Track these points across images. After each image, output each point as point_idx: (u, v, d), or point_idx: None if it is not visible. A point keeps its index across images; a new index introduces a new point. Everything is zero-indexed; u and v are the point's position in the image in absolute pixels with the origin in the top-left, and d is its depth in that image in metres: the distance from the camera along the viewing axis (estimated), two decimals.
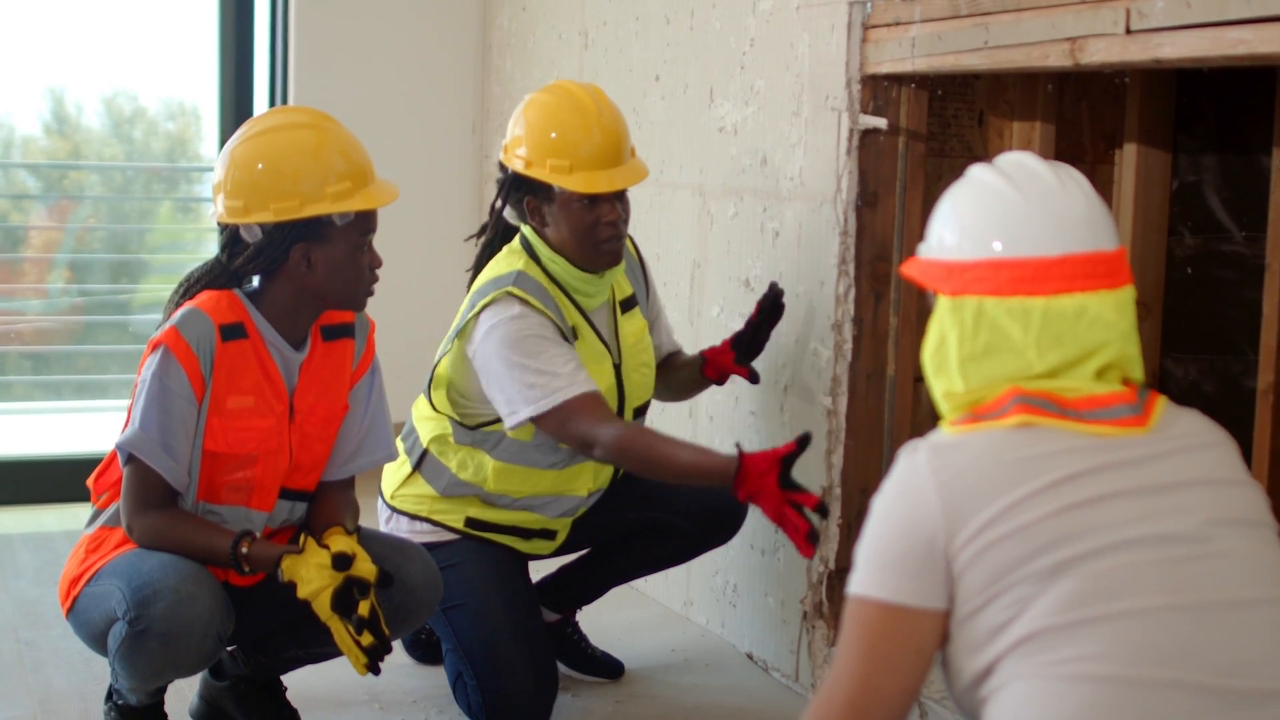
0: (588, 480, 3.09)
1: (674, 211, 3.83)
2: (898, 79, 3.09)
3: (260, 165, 2.57)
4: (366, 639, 2.49)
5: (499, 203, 3.08)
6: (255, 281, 2.66)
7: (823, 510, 2.54)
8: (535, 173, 2.95)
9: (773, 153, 3.38)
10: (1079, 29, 2.50)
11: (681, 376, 3.29)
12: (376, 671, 2.53)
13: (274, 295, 2.64)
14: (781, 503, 2.57)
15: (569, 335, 2.96)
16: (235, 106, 4.89)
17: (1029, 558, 1.55)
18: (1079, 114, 3.41)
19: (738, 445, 2.69)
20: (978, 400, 1.68)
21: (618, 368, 3.07)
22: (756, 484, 2.60)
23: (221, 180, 2.61)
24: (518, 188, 3.01)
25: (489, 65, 5.11)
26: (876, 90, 3.10)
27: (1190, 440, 1.65)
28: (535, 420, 2.86)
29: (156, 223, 5.33)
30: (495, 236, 3.13)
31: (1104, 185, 3.41)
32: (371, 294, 2.70)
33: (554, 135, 2.94)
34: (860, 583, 1.63)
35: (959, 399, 1.70)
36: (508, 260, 3.00)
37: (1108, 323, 1.64)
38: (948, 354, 1.70)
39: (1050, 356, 1.65)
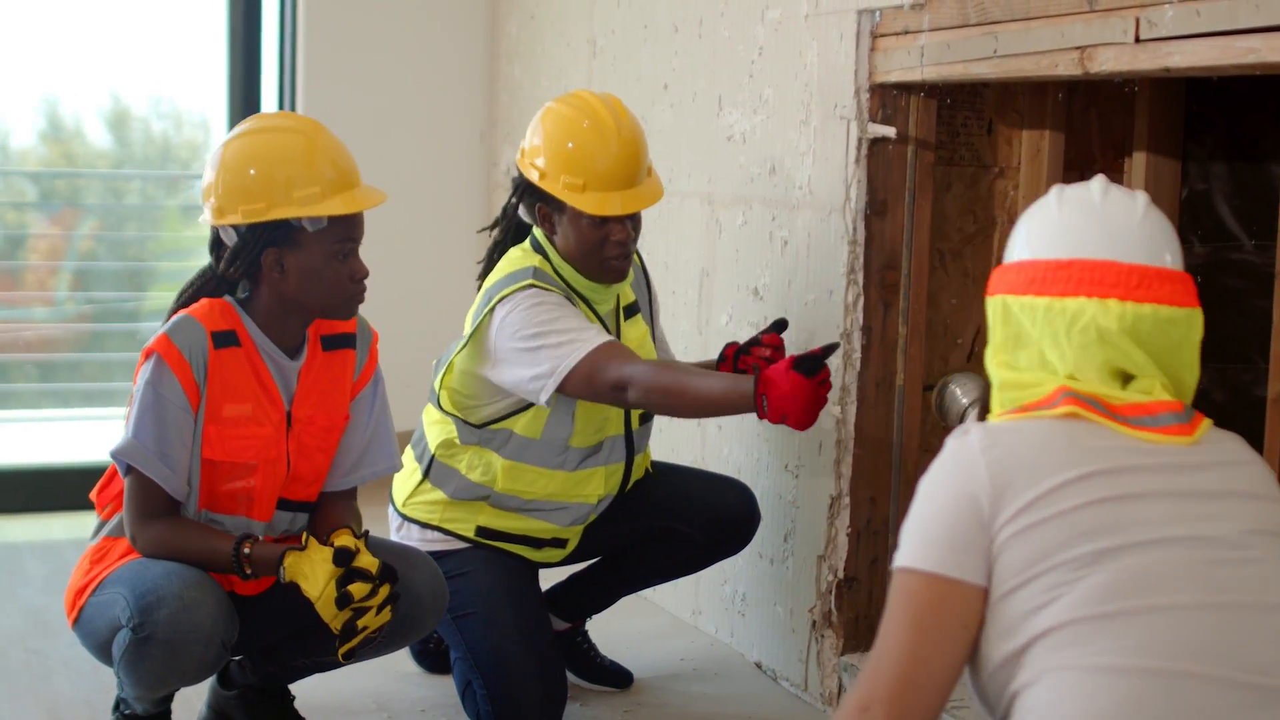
0: (598, 485, 3.08)
1: (682, 220, 3.83)
2: (906, 88, 3.09)
3: (236, 167, 2.58)
4: (346, 617, 2.47)
5: (514, 200, 3.07)
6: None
7: (829, 348, 2.66)
8: (548, 186, 2.95)
9: (781, 161, 3.38)
10: (1088, 38, 2.50)
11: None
12: (350, 658, 2.52)
13: (260, 302, 2.63)
14: (814, 400, 2.62)
15: None
16: (244, 117, 4.88)
17: (1069, 543, 1.58)
18: (1088, 122, 3.41)
19: (754, 369, 2.77)
20: (1025, 389, 1.74)
21: None
22: (784, 394, 2.61)
23: (209, 182, 2.62)
24: (531, 193, 3.01)
25: (497, 73, 5.11)
26: (885, 99, 3.10)
27: (1231, 456, 1.70)
28: (565, 381, 2.81)
29: (161, 229, 5.33)
30: (507, 234, 3.12)
31: None
32: (360, 302, 2.66)
33: (570, 151, 2.93)
34: (907, 555, 1.65)
35: (1007, 384, 1.77)
36: (522, 258, 3.00)
37: (1102, 329, 1.68)
38: (993, 343, 1.80)
39: (1053, 354, 1.72)
